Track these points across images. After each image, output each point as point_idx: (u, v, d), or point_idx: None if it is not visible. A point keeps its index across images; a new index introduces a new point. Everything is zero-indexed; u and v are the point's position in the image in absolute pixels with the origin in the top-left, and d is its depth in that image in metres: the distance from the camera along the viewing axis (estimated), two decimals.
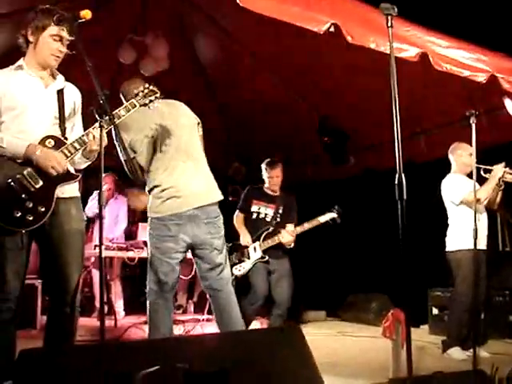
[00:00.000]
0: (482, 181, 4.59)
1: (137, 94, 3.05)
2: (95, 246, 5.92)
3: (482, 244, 4.61)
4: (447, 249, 4.83)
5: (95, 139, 2.78)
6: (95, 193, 6.80)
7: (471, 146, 3.98)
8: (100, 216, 2.66)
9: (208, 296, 3.62)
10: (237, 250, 5.14)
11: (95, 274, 6.75)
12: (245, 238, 5.12)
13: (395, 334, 3.55)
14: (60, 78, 3.01)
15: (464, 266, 4.60)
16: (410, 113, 4.62)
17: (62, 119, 2.91)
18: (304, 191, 7.74)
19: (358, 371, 4.04)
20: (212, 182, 3.61)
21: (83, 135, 2.84)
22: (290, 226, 5.19)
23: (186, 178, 3.48)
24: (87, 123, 2.95)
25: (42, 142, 2.79)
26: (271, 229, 5.14)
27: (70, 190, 2.93)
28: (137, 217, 7.48)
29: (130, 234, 7.10)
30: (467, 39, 4.48)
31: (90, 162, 3.02)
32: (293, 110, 6.64)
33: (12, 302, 2.73)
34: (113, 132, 3.14)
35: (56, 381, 1.83)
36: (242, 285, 4.96)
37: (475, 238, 3.94)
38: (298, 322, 6.62)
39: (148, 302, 3.47)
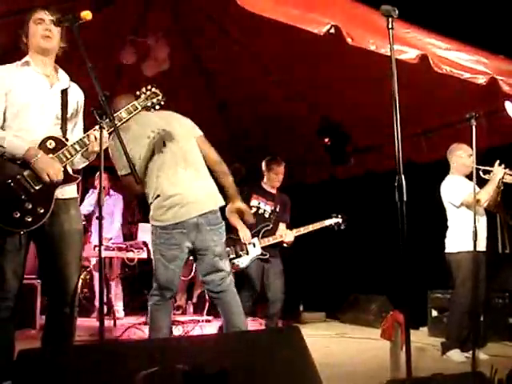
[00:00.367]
0: (480, 182, 4.59)
1: (139, 96, 3.05)
2: (95, 246, 5.92)
3: (482, 246, 4.61)
4: (447, 250, 4.83)
5: (96, 140, 2.78)
6: (91, 191, 6.80)
7: (471, 147, 3.98)
8: (100, 217, 2.67)
9: (210, 299, 3.65)
10: (234, 244, 5.08)
11: (96, 274, 6.75)
12: (246, 234, 5.04)
13: (394, 335, 3.55)
14: (65, 77, 3.02)
15: (464, 268, 4.60)
16: (411, 114, 4.62)
17: (64, 119, 2.91)
18: (304, 192, 7.77)
19: (357, 372, 4.05)
20: (213, 188, 3.59)
21: (84, 137, 2.84)
22: (282, 226, 5.21)
23: (187, 186, 3.46)
24: (89, 124, 2.96)
25: (43, 143, 2.79)
26: (270, 226, 5.14)
27: (70, 191, 2.93)
28: (136, 217, 7.49)
29: (130, 235, 7.11)
30: (467, 41, 4.49)
31: (88, 162, 3.02)
32: (293, 110, 6.64)
33: (11, 300, 2.73)
34: (111, 142, 3.14)
35: (55, 381, 1.83)
36: (236, 280, 4.95)
37: (475, 240, 3.95)
38: (298, 323, 6.62)
39: (149, 305, 3.48)
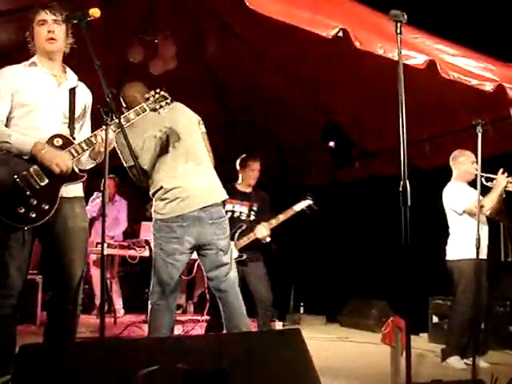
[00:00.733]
0: (483, 190, 4.56)
1: (147, 99, 3.06)
2: (97, 243, 5.93)
3: (483, 253, 4.60)
4: (448, 257, 4.82)
5: (103, 141, 2.79)
6: (95, 194, 6.81)
7: (477, 154, 3.97)
8: (103, 214, 2.68)
9: (211, 298, 3.64)
10: None
11: (94, 271, 6.75)
12: None
13: (395, 340, 3.55)
14: (73, 76, 3.02)
15: (466, 275, 4.59)
16: (417, 120, 4.62)
17: (71, 119, 2.91)
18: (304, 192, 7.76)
19: (357, 377, 4.05)
20: (215, 182, 3.59)
21: (91, 136, 2.84)
22: (264, 224, 5.07)
23: (189, 179, 3.47)
24: (96, 123, 2.96)
25: (50, 140, 2.79)
26: (244, 226, 4.95)
27: (75, 189, 2.93)
28: (139, 215, 7.49)
29: (133, 233, 7.11)
30: (475, 48, 4.48)
31: (95, 164, 3.01)
32: (299, 113, 6.64)
33: (14, 297, 2.73)
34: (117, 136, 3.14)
35: (56, 377, 1.83)
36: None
37: (478, 248, 3.94)
38: (298, 326, 6.61)
39: (150, 303, 3.48)
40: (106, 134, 2.71)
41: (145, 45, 5.68)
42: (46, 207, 2.74)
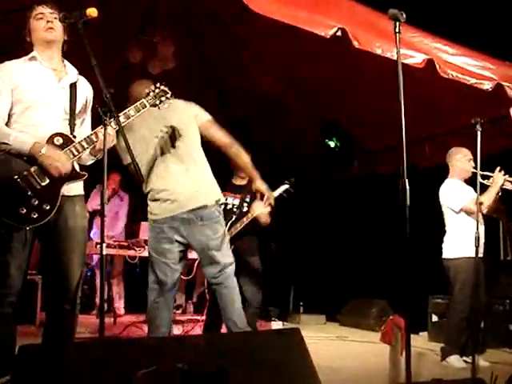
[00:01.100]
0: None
1: (148, 94, 3.05)
2: (96, 243, 5.92)
3: (480, 252, 4.59)
4: (445, 256, 4.80)
5: (111, 136, 2.79)
6: (98, 186, 6.78)
7: (476, 153, 3.96)
8: (102, 215, 2.67)
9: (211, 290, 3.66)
10: None
11: (98, 271, 6.76)
12: None
13: (394, 340, 3.54)
14: (73, 71, 3.00)
15: (463, 274, 4.58)
16: (416, 119, 4.61)
17: (72, 114, 2.89)
18: (306, 193, 7.77)
19: (357, 376, 4.04)
20: (207, 184, 3.56)
21: (91, 134, 2.83)
22: (254, 206, 4.95)
23: (178, 181, 3.47)
24: (94, 122, 2.96)
25: (50, 139, 2.77)
26: (234, 217, 4.88)
27: (76, 188, 2.92)
28: (138, 215, 7.48)
29: (132, 233, 7.11)
30: (474, 47, 4.48)
31: (95, 160, 3.01)
32: (297, 112, 6.64)
33: (14, 296, 2.73)
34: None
35: (55, 377, 1.83)
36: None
37: (477, 246, 3.94)
38: (297, 325, 6.62)
39: (148, 301, 3.50)
40: (105, 134, 2.71)
41: (143, 45, 5.69)
42: (48, 207, 2.73)
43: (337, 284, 7.31)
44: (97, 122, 2.83)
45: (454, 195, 4.78)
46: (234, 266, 3.59)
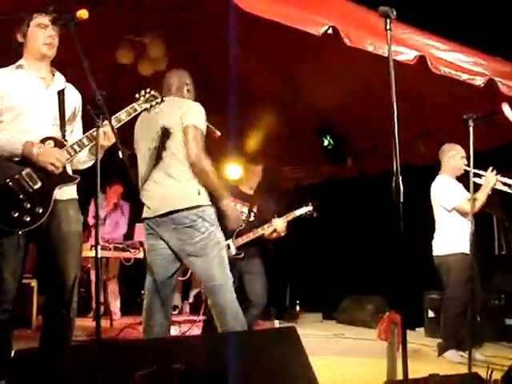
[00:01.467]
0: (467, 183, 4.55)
1: (138, 99, 3.05)
2: (91, 246, 5.92)
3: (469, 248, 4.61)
4: (436, 253, 4.81)
5: (106, 135, 2.78)
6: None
7: (469, 149, 3.97)
8: (97, 215, 2.68)
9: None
10: None
11: (93, 274, 6.75)
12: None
13: (391, 336, 3.55)
14: (61, 78, 3.00)
15: (456, 270, 4.60)
16: (409, 116, 4.63)
17: (61, 120, 2.90)
18: (300, 193, 7.79)
19: (354, 373, 4.05)
20: (184, 188, 3.40)
21: (83, 138, 2.83)
22: (277, 219, 5.06)
23: (153, 185, 3.45)
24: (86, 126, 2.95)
25: (42, 143, 2.77)
26: (243, 226, 4.78)
27: (69, 191, 2.91)
28: (133, 217, 7.47)
29: (128, 235, 7.10)
30: (465, 43, 4.49)
31: (94, 160, 2.95)
32: (291, 111, 6.64)
33: (9, 303, 2.71)
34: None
35: (51, 381, 1.83)
36: None
37: (471, 241, 3.95)
38: (294, 324, 6.63)
39: (144, 301, 3.50)
40: (97, 137, 2.71)
41: (134, 46, 5.68)
42: (40, 210, 2.72)
43: (333, 282, 7.33)
44: (89, 127, 2.83)
45: (447, 193, 4.78)
46: (223, 282, 3.37)
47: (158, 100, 3.10)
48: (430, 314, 6.04)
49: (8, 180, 2.67)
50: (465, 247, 4.38)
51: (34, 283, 5.65)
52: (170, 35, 5.74)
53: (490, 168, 4.66)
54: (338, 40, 3.76)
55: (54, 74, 2.97)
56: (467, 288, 4.31)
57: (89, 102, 2.84)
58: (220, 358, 2.08)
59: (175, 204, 3.38)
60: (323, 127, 6.89)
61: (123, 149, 2.72)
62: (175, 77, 3.70)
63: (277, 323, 6.40)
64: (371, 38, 3.88)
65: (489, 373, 2.61)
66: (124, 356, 2.04)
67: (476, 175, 4.65)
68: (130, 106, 3.01)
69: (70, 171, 2.90)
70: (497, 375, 2.72)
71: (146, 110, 3.05)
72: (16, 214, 2.66)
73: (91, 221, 6.44)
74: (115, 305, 6.88)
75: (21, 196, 2.68)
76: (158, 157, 3.46)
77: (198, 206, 3.36)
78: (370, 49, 3.89)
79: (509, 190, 4.77)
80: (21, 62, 2.89)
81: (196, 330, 5.52)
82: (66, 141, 2.85)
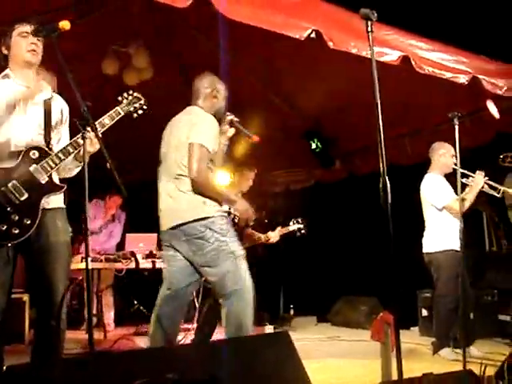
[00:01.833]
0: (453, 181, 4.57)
1: (121, 102, 3.04)
2: (82, 258, 5.87)
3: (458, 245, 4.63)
4: (426, 250, 4.85)
5: (91, 141, 2.77)
6: (94, 201, 6.71)
7: (455, 147, 4.00)
8: (85, 227, 2.66)
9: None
10: None
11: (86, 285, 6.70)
12: None
13: (384, 336, 3.55)
14: (47, 87, 3.00)
15: (446, 267, 4.63)
16: (395, 116, 4.65)
17: (47, 129, 2.88)
18: (289, 197, 7.80)
19: (349, 375, 4.05)
20: (191, 200, 3.40)
21: (68, 145, 2.82)
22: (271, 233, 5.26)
23: (165, 199, 3.48)
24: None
25: (26, 153, 2.76)
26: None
27: (56, 200, 2.90)
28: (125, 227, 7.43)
29: (119, 245, 7.06)
30: (447, 42, 4.53)
31: (81, 167, 2.95)
32: (280, 115, 6.65)
33: None
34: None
35: None
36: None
37: (460, 238, 3.97)
38: (289, 328, 6.63)
39: (155, 307, 3.53)
40: (84, 147, 2.70)
41: (120, 56, 5.66)
42: (28, 222, 2.71)
43: (326, 284, 7.33)
44: (75, 135, 2.83)
45: (437, 192, 4.81)
46: (235, 293, 3.34)
47: (142, 102, 3.09)
48: (424, 312, 6.05)
49: None
50: (455, 244, 4.40)
51: (25, 297, 5.60)
52: (155, 43, 5.74)
53: (478, 171, 4.71)
54: (322, 43, 3.77)
55: (40, 83, 2.96)
56: (458, 284, 4.34)
57: (75, 112, 2.84)
58: (213, 365, 2.07)
59: (183, 217, 3.40)
60: (309, 130, 6.90)
61: (109, 158, 2.71)
62: (198, 83, 3.67)
63: (270, 328, 6.39)
64: (354, 41, 3.90)
65: (482, 369, 2.62)
66: (117, 368, 2.03)
67: (464, 175, 4.69)
68: (114, 109, 3.00)
69: (56, 180, 2.89)
70: (491, 371, 2.73)
71: (129, 112, 3.04)
72: (4, 227, 2.65)
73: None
74: (109, 316, 6.82)
75: (8, 208, 2.67)
76: (170, 167, 3.49)
77: (205, 218, 3.36)
78: (354, 51, 3.91)
79: (495, 194, 4.82)
80: (6, 71, 2.89)
81: (190, 339, 5.49)
82: (51, 150, 2.84)
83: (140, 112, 3.09)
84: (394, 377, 2.51)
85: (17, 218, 2.68)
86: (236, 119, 3.73)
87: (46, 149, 2.83)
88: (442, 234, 4.71)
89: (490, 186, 4.79)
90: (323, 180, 7.72)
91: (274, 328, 6.49)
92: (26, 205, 2.72)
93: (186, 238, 3.40)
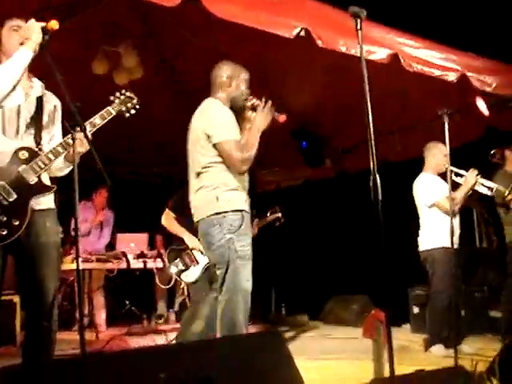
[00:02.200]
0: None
1: (113, 101, 3.02)
2: (73, 258, 5.85)
3: (456, 242, 4.65)
4: (421, 248, 4.88)
5: (80, 141, 2.74)
6: (82, 203, 6.67)
7: (444, 144, 4.01)
8: (76, 228, 2.66)
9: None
10: (180, 256, 4.70)
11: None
12: (192, 240, 4.62)
13: (376, 334, 3.56)
14: (39, 85, 2.96)
15: (440, 264, 4.65)
16: (384, 114, 4.66)
17: (38, 127, 2.86)
18: (279, 195, 7.81)
19: (341, 373, 4.06)
20: (210, 196, 3.37)
21: (58, 146, 2.80)
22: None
23: (192, 195, 3.49)
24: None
25: (16, 154, 2.75)
26: None
27: (46, 201, 2.88)
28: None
29: (109, 245, 7.03)
30: (435, 40, 4.55)
31: (72, 167, 2.91)
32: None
33: None
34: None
35: None
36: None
37: (452, 236, 3.99)
38: (281, 327, 6.62)
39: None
40: (74, 148, 2.69)
41: (109, 56, 5.64)
42: (17, 223, 2.69)
43: (317, 283, 7.34)
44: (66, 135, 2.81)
45: (427, 190, 4.85)
46: (230, 295, 3.32)
47: (135, 101, 3.07)
48: (416, 310, 6.08)
49: None
50: (448, 241, 4.42)
51: (16, 299, 5.56)
52: (144, 43, 5.72)
53: (471, 169, 4.73)
54: (311, 42, 3.78)
55: (31, 80, 2.94)
56: (452, 281, 4.36)
57: (65, 113, 2.83)
58: (206, 365, 2.07)
59: (200, 213, 3.42)
60: (295, 130, 6.87)
61: (98, 158, 2.70)
62: (212, 73, 3.58)
63: (261, 328, 6.39)
64: (343, 39, 3.91)
65: (474, 365, 2.64)
66: (109, 368, 2.02)
67: (457, 175, 4.72)
68: (105, 109, 2.97)
69: (46, 181, 2.87)
70: (482, 367, 2.75)
71: (121, 112, 3.02)
72: None
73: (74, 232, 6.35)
74: (100, 316, 6.79)
75: None
76: (192, 165, 3.49)
77: (217, 213, 3.32)
78: (343, 49, 3.92)
79: (487, 192, 4.84)
80: None
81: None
82: (41, 150, 2.82)
83: (132, 112, 3.07)
84: (387, 374, 2.52)
85: (5, 219, 2.66)
86: (258, 102, 3.57)
87: (36, 149, 2.81)
88: (435, 232, 4.73)
89: (483, 185, 4.80)
90: (313, 178, 7.72)
91: (266, 327, 6.50)
92: (15, 206, 2.70)
93: (201, 233, 3.42)
